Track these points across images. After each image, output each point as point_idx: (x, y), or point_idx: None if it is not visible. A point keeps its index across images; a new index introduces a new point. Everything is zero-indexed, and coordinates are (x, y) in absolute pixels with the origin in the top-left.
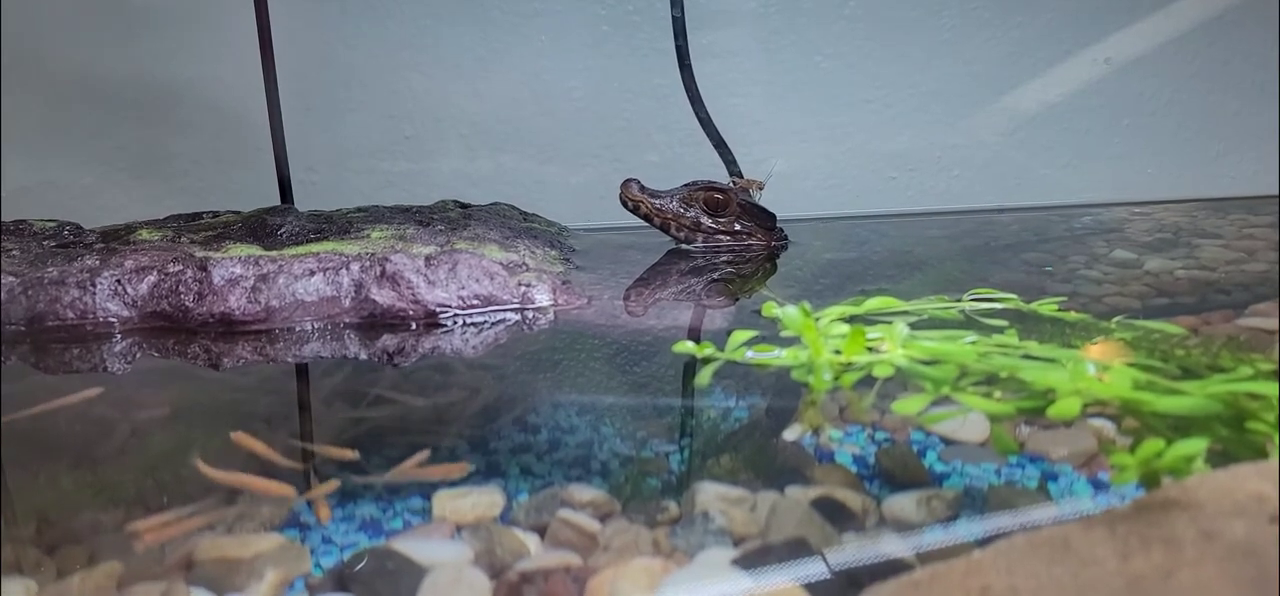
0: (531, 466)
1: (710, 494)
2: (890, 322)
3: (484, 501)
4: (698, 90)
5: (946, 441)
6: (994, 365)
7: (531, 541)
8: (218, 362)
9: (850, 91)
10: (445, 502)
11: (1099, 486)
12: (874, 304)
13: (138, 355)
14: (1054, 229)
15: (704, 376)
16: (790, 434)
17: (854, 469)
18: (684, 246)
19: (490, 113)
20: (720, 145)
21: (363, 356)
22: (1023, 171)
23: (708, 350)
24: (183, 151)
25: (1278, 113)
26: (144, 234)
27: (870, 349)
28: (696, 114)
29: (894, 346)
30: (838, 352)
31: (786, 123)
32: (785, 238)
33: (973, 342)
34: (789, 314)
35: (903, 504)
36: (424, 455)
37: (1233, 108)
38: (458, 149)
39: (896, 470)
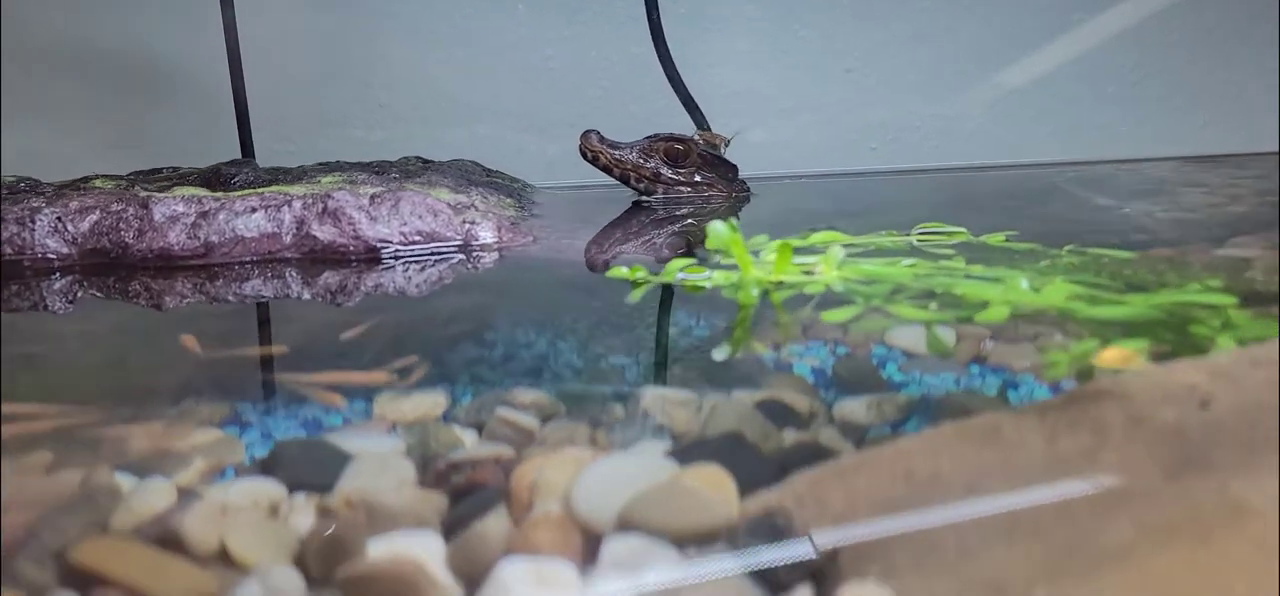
0: (482, 375)
1: (655, 397)
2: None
3: (427, 403)
4: (667, 46)
5: (909, 355)
6: (932, 284)
7: (469, 436)
8: (155, 296)
9: (831, 61)
10: (387, 404)
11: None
12: (820, 237)
13: (78, 292)
14: (1035, 182)
15: (637, 295)
16: (718, 353)
17: (811, 378)
18: (644, 199)
19: (466, 81)
20: (688, 102)
21: (303, 290)
22: (1006, 143)
23: (640, 273)
24: (160, 124)
25: (1278, 82)
26: (98, 183)
27: (806, 274)
28: (666, 71)
29: (829, 268)
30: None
31: (766, 92)
32: (748, 190)
33: (911, 264)
34: (715, 229)
35: (852, 407)
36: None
37: (1220, 75)
38: (434, 117)
39: (851, 378)
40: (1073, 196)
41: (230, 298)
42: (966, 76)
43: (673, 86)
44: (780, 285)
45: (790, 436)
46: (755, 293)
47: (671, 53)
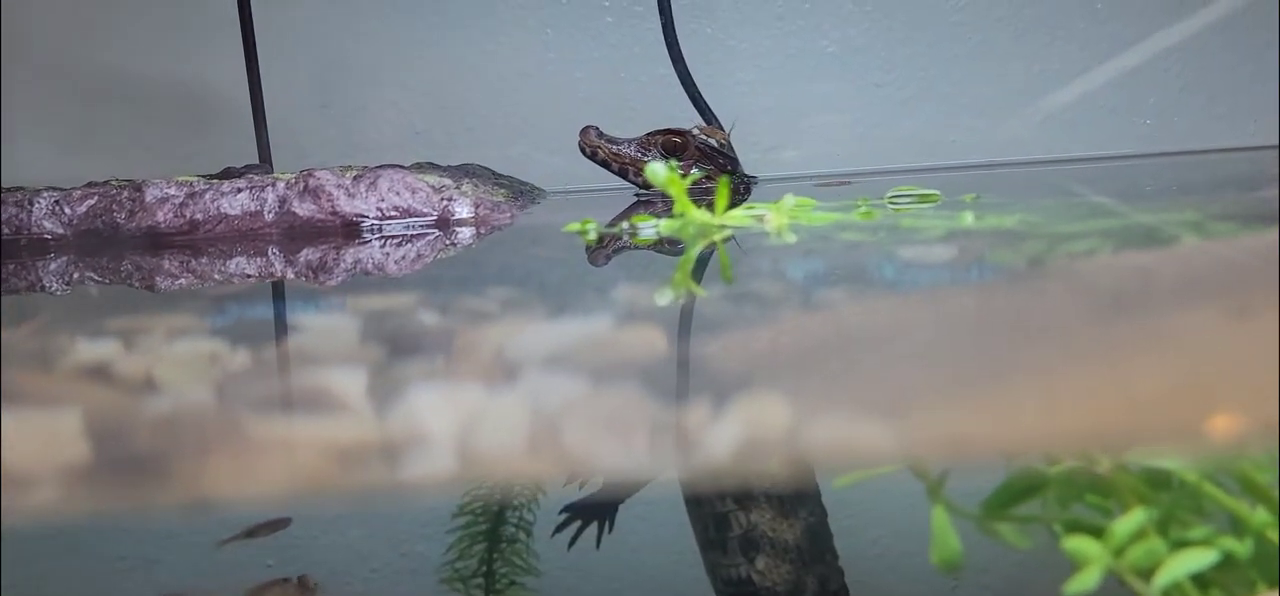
0: (458, 284)
1: (625, 290)
2: None
3: (397, 299)
4: (676, 37)
5: (909, 262)
6: (878, 222)
7: (429, 317)
8: (140, 267)
9: (860, 75)
10: (358, 299)
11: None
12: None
13: (72, 273)
14: (1076, 171)
15: (588, 240)
16: (661, 298)
17: (799, 279)
18: (643, 194)
19: (497, 106)
20: (697, 99)
21: (276, 258)
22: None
23: (591, 224)
24: (201, 152)
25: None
26: (113, 184)
27: (756, 218)
28: (675, 66)
29: (780, 214)
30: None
31: (793, 105)
32: (749, 182)
33: (866, 212)
34: (653, 168)
35: (827, 294)
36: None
37: (1266, 81)
38: (465, 143)
39: (840, 278)
40: (1108, 170)
41: (216, 272)
42: (1002, 93)
43: (681, 81)
44: (724, 228)
45: (742, 312)
46: (694, 231)
47: (685, 53)
